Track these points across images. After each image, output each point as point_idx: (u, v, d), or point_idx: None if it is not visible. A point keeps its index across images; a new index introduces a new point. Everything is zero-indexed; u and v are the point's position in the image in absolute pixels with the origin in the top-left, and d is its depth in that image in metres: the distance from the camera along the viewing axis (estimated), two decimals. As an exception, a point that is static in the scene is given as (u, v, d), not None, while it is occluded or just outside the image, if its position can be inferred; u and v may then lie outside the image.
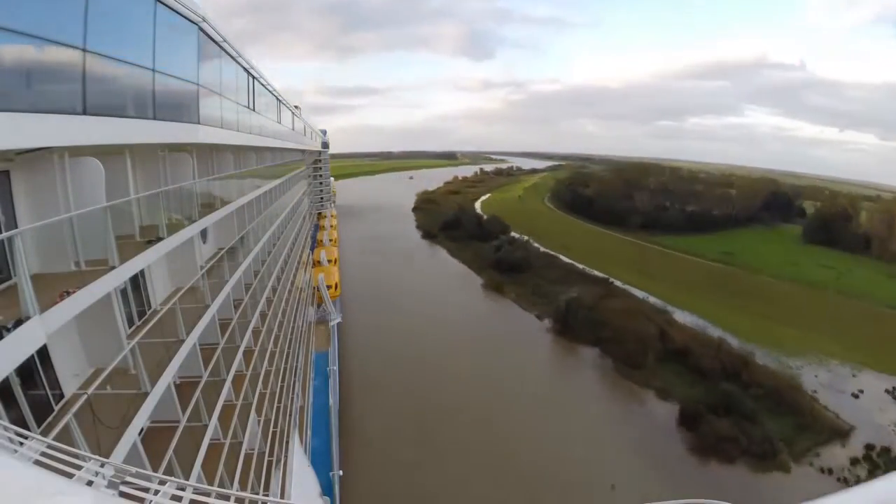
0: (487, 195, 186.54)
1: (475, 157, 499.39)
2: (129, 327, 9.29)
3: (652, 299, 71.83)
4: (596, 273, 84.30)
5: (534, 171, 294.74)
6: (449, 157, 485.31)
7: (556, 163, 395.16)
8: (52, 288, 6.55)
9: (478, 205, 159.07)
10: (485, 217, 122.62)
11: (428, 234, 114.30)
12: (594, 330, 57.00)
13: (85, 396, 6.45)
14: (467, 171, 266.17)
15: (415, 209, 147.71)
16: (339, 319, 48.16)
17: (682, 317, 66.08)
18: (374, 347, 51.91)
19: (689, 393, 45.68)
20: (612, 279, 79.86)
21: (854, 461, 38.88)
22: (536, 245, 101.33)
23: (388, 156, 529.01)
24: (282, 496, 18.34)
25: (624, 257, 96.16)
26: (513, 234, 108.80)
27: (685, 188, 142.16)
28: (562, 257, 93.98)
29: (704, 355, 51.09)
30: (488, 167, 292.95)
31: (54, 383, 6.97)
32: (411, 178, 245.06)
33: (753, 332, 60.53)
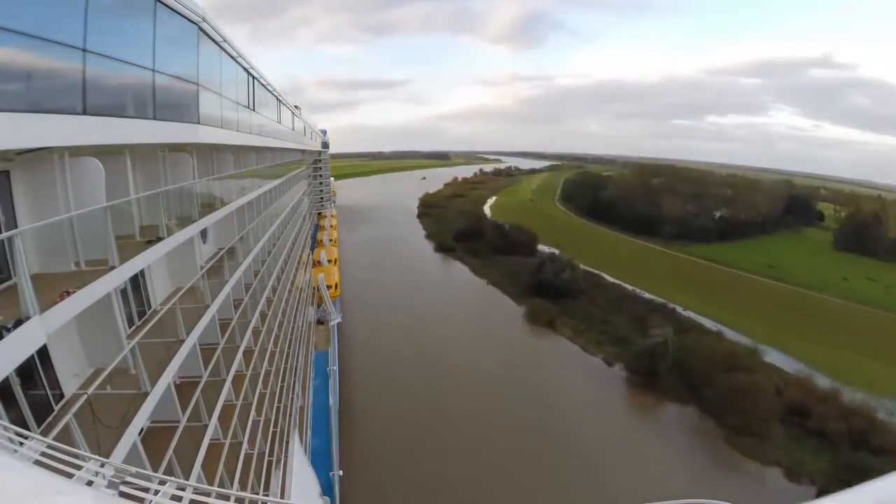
0: (494, 198, 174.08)
1: (468, 158, 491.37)
2: (129, 327, 9.29)
3: (717, 329, 59.12)
4: (648, 296, 69.93)
5: (532, 172, 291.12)
6: (441, 158, 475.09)
7: (553, 163, 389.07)
8: (52, 288, 6.55)
9: (487, 209, 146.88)
10: (507, 226, 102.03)
11: (442, 247, 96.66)
12: (684, 380, 44.11)
13: (85, 396, 6.45)
14: (464, 171, 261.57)
15: (420, 216, 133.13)
16: (339, 319, 48.15)
17: (773, 357, 51.86)
18: (393, 438, 35.60)
19: (817, 467, 35.67)
20: (670, 304, 66.09)
21: None
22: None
23: (378, 156, 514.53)
24: (282, 496, 18.33)
25: (670, 274, 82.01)
26: (540, 246, 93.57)
27: (713, 192, 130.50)
28: (605, 276, 78.28)
29: (826, 414, 40.48)
30: (487, 168, 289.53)
31: (54, 383, 6.98)
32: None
33: (845, 370, 49.20)
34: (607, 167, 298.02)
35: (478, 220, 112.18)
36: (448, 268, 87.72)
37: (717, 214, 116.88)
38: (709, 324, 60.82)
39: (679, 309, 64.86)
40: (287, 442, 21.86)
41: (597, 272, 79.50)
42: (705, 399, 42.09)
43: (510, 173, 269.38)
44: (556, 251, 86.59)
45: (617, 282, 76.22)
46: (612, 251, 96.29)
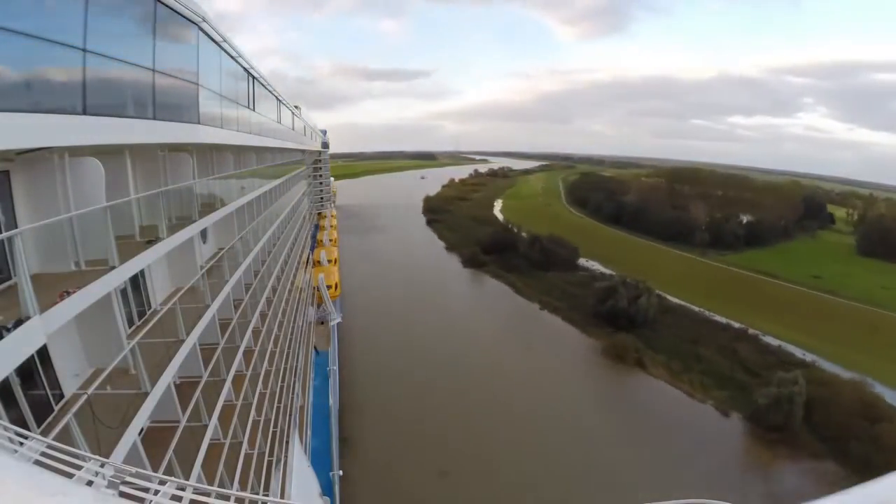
0: (500, 201, 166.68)
1: (454, 158, 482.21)
2: (129, 327, 9.30)
3: (811, 359, 52.42)
4: (718, 318, 62.05)
5: (527, 172, 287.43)
6: (428, 158, 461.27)
7: (542, 163, 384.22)
8: (52, 288, 6.55)
9: (498, 214, 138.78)
10: (543, 238, 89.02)
11: (472, 261, 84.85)
12: (816, 431, 38.99)
13: (85, 396, 6.45)
14: (456, 171, 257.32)
15: (430, 222, 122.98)
16: (339, 319, 48.14)
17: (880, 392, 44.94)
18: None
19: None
20: (750, 329, 58.57)
21: None
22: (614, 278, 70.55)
23: (360, 156, 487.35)
24: (282, 496, 18.33)
25: (725, 289, 74.00)
26: (581, 259, 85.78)
27: (739, 196, 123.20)
28: (668, 297, 68.25)
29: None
30: (480, 168, 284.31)
31: (54, 383, 6.97)
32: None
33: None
34: (596, 167, 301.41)
35: (504, 230, 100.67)
36: (482, 287, 75.38)
37: (744, 220, 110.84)
38: (796, 351, 54.35)
39: (758, 334, 58.01)
40: (287, 442, 21.86)
41: (657, 292, 67.81)
42: (847, 453, 36.29)
43: (506, 174, 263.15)
44: (602, 265, 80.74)
45: (679, 301, 67.26)
46: (653, 263, 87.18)
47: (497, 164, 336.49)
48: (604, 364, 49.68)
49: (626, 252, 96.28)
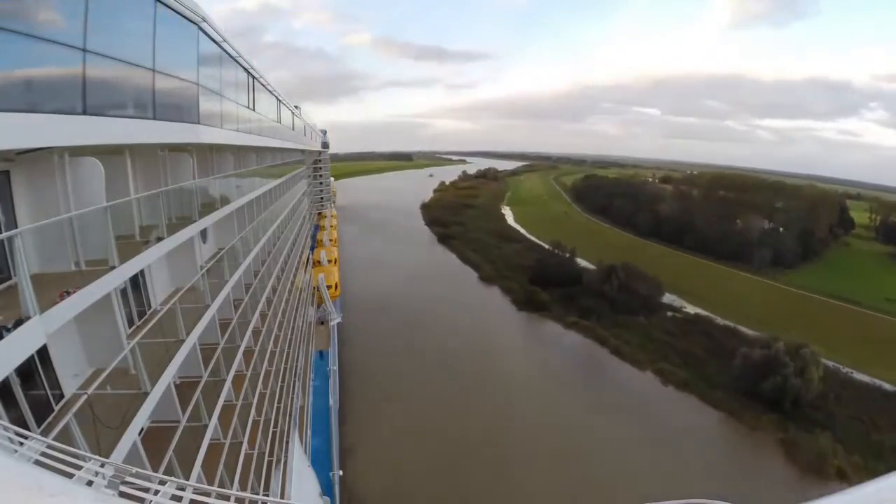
0: (507, 207, 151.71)
1: (432, 158, 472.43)
2: (129, 327, 9.29)
3: None
4: (863, 377, 49.42)
5: (514, 174, 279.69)
6: (403, 158, 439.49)
7: (525, 163, 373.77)
8: (52, 288, 6.56)
9: (514, 224, 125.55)
10: (618, 267, 68.76)
11: (530, 303, 63.71)
12: None
13: (85, 396, 6.45)
14: (441, 171, 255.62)
15: (443, 239, 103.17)
16: (339, 319, 48.13)
17: None
18: None
19: None
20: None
21: None
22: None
23: (334, 157, 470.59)
24: (282, 496, 18.33)
25: (826, 326, 61.69)
26: (665, 295, 68.42)
27: (790, 205, 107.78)
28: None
29: None
30: (461, 168, 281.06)
31: (54, 383, 6.97)
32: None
33: None
34: (577, 167, 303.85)
35: (552, 255, 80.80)
36: (554, 345, 54.10)
37: (787, 233, 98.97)
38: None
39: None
40: (287, 442, 21.86)
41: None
42: None
43: (495, 176, 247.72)
44: (686, 302, 66.16)
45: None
46: (737, 293, 73.99)
47: (475, 164, 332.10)
48: (785, 474, 34.86)
49: (700, 279, 79.84)
